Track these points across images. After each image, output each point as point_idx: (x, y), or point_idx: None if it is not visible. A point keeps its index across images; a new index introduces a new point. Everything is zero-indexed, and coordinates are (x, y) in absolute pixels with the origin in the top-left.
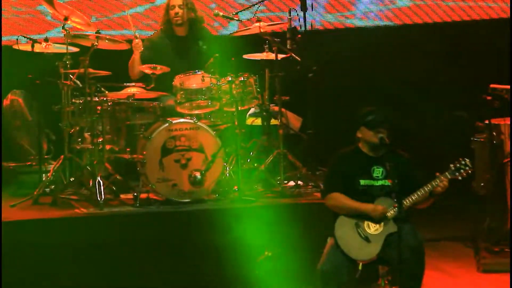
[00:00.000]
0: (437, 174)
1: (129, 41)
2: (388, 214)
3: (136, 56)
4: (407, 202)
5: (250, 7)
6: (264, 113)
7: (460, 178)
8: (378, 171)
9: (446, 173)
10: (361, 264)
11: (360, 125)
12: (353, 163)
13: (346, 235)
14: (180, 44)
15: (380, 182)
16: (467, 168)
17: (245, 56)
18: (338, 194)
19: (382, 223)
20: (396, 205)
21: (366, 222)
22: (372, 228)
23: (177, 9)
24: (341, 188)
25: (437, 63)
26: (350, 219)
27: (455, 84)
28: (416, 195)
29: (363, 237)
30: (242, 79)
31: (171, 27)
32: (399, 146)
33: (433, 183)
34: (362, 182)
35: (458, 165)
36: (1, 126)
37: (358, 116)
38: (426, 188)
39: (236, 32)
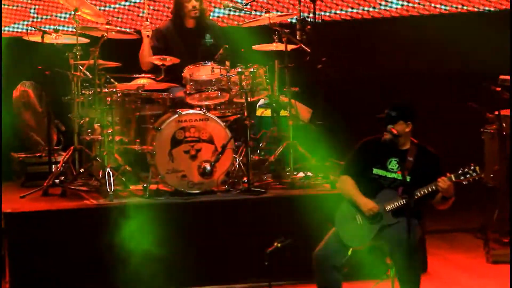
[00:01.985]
0: (448, 174)
1: (139, 32)
2: (388, 206)
3: (146, 45)
4: (419, 193)
5: None
6: (274, 104)
7: (464, 183)
8: (394, 163)
9: (451, 176)
10: (351, 249)
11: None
12: (372, 151)
13: (344, 220)
14: (189, 36)
15: (393, 175)
16: (474, 174)
17: (254, 47)
18: (347, 178)
19: (381, 214)
20: (405, 198)
21: None
22: (369, 217)
23: (194, 2)
24: (353, 173)
25: (447, 54)
26: (352, 204)
27: (465, 75)
28: (422, 190)
29: (358, 224)
30: (252, 70)
31: (182, 19)
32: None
33: (439, 182)
34: (374, 170)
35: (466, 169)
36: (0, 117)
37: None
38: (433, 186)
39: (246, 23)
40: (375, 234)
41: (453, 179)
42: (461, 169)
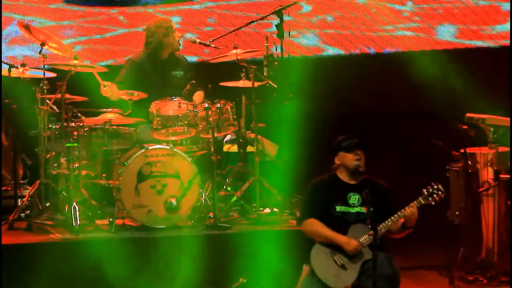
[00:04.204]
0: (413, 203)
1: (107, 66)
2: (363, 240)
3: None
4: (381, 227)
5: (226, 34)
6: (240, 140)
7: (433, 203)
8: (354, 198)
9: (420, 199)
10: None
11: (337, 151)
12: (330, 190)
13: (322, 263)
14: (162, 67)
15: (356, 209)
16: (439, 192)
17: (221, 83)
18: (314, 220)
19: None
20: (371, 232)
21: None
22: (348, 256)
23: (178, 32)
24: (318, 214)
25: (413, 91)
26: (326, 246)
27: (431, 112)
28: (390, 220)
29: (339, 264)
30: (219, 106)
31: (159, 50)
32: (377, 175)
33: (406, 209)
34: (338, 208)
35: (430, 190)
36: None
37: (334, 144)
38: (399, 213)
39: (213, 59)
40: (359, 271)
41: (422, 202)
42: (425, 191)
